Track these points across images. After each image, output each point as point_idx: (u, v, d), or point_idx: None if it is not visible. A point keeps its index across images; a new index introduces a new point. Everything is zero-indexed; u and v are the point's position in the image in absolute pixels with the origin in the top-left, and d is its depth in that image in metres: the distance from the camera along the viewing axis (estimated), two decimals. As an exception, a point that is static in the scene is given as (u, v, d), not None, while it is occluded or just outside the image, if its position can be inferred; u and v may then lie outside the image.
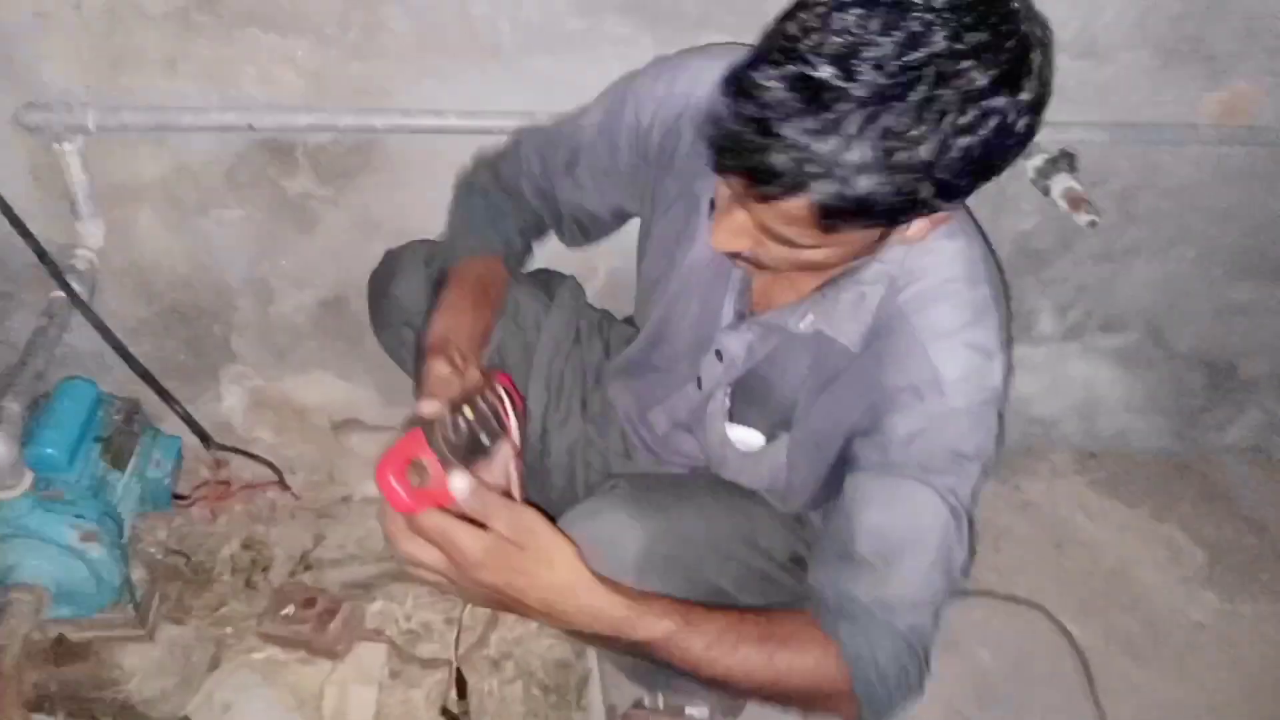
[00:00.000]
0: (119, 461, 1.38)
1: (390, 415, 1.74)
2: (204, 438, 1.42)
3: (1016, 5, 0.75)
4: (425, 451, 0.82)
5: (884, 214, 0.78)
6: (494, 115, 1.34)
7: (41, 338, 1.29)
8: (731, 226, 0.85)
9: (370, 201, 1.46)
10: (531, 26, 1.29)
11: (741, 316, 1.06)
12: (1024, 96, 0.74)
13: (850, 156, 0.72)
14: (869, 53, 0.70)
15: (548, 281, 1.35)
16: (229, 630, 1.47)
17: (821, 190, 0.74)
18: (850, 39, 0.71)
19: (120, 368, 1.45)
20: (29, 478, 1.23)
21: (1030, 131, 0.77)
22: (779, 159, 0.73)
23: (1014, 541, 1.82)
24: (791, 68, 0.72)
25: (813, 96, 0.71)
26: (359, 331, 1.60)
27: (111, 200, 1.41)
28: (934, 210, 0.81)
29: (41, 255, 1.25)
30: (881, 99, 0.70)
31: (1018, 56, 0.73)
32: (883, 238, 0.86)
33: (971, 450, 0.93)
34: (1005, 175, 0.81)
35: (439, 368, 0.98)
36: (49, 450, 1.28)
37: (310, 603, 1.44)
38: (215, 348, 1.61)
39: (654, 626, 0.85)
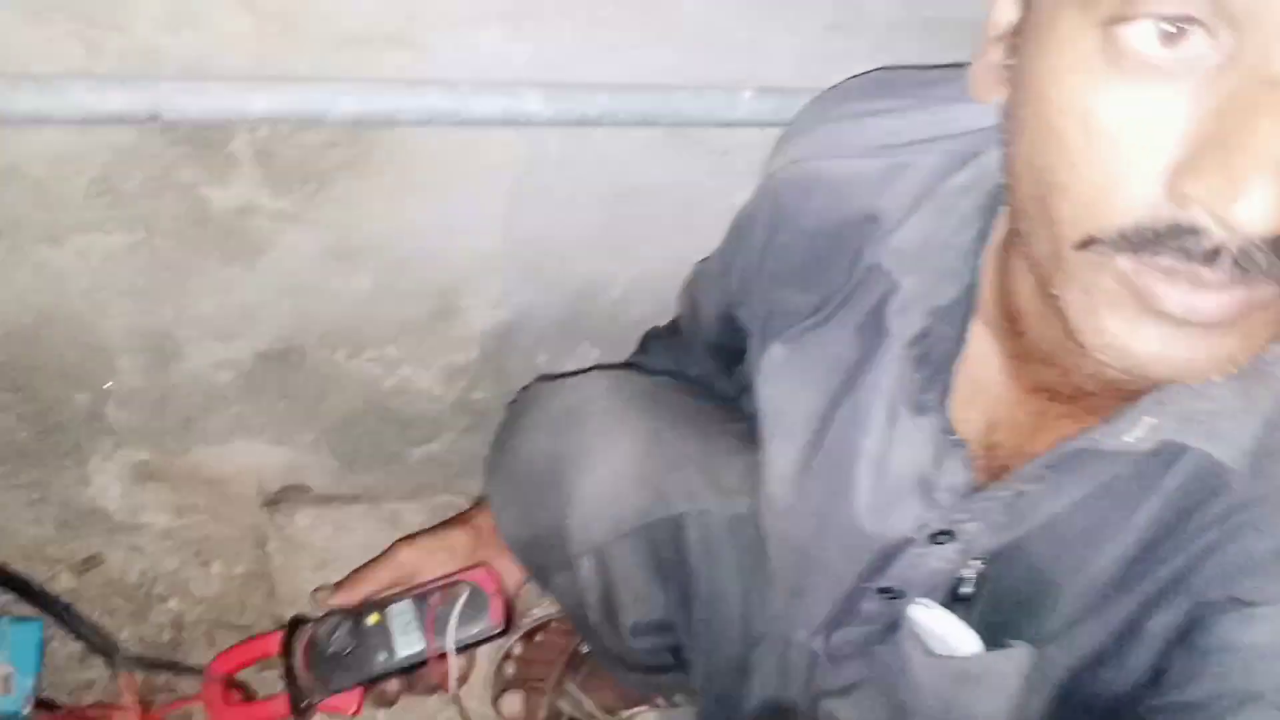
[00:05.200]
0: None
1: (353, 483, 1.18)
2: (106, 651, 0.82)
3: None
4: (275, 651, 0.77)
5: None
6: (616, 92, 0.77)
7: None
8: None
9: (357, 217, 0.86)
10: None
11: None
12: None
13: None
14: None
15: None
16: None
17: None
18: None
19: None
20: None
21: None
22: None
23: None
24: None
25: None
26: (317, 390, 1.03)
27: None
28: None
29: None
30: None
31: None
32: None
33: None
34: None
35: (405, 554, 0.85)
36: None
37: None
38: (80, 421, 0.98)
39: None
